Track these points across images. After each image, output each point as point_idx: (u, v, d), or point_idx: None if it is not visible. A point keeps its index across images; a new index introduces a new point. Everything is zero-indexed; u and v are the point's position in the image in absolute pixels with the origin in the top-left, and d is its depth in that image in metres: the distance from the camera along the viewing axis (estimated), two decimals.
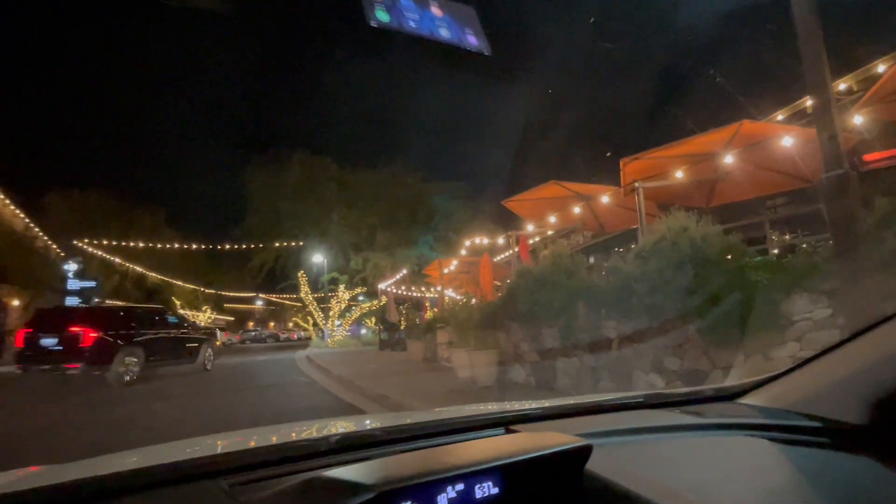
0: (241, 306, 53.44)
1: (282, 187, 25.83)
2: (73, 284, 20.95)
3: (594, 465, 0.85)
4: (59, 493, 0.76)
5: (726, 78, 15.83)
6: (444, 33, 7.19)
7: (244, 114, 66.34)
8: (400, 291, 22.98)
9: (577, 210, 8.00)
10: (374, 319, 26.44)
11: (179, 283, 32.04)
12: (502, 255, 12.35)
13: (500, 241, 10.30)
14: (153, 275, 29.42)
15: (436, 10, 7.28)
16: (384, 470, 0.74)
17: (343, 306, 24.64)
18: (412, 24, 6.92)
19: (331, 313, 24.26)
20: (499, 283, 10.92)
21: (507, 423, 1.11)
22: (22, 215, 24.47)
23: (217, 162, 62.06)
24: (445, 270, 12.93)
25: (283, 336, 48.94)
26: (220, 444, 1.14)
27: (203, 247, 25.95)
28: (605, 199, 7.29)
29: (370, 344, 23.58)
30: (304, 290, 24.76)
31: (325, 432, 1.14)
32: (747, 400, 1.21)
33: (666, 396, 1.32)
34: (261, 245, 25.88)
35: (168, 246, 25.99)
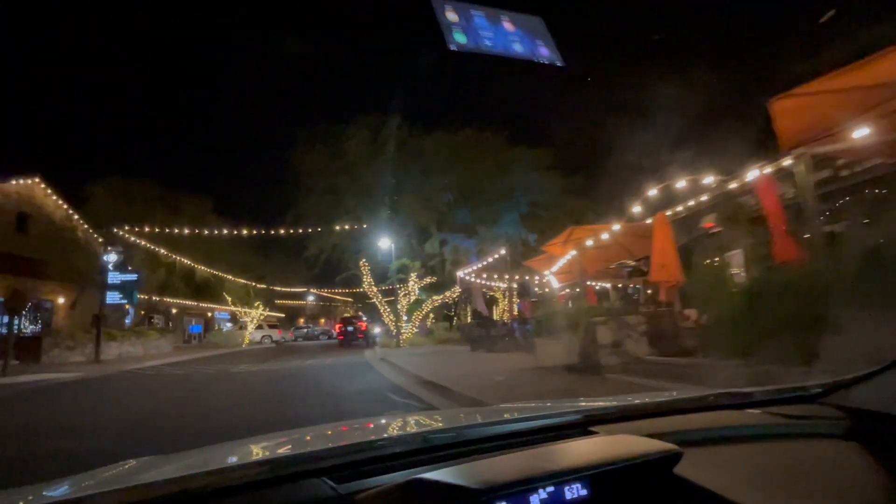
0: (291, 302, 51.49)
1: (340, 159, 22.13)
2: (113, 278, 18.49)
3: (683, 467, 0.85)
4: (161, 492, 0.77)
5: None
6: (518, 48, 7.36)
7: (300, 96, 63.28)
8: (480, 280, 19.38)
9: None
10: (431, 315, 23.00)
11: (230, 277, 29.74)
12: (674, 210, 8.44)
13: (758, 172, 6.23)
14: (202, 268, 27.19)
15: (508, 26, 7.37)
16: (485, 473, 0.76)
17: (413, 298, 21.13)
18: (488, 42, 7.09)
19: (399, 307, 20.78)
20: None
21: (587, 423, 1.10)
22: (65, 206, 22.74)
23: (267, 148, 60.13)
24: (589, 242, 9.15)
25: (335, 332, 46.52)
26: (312, 439, 1.23)
27: (254, 232, 22.79)
28: None
29: (447, 342, 20.08)
30: (367, 280, 21.46)
31: (414, 430, 1.28)
32: (831, 400, 1.16)
33: (747, 396, 1.28)
34: (318, 229, 22.25)
35: (216, 232, 23.25)
